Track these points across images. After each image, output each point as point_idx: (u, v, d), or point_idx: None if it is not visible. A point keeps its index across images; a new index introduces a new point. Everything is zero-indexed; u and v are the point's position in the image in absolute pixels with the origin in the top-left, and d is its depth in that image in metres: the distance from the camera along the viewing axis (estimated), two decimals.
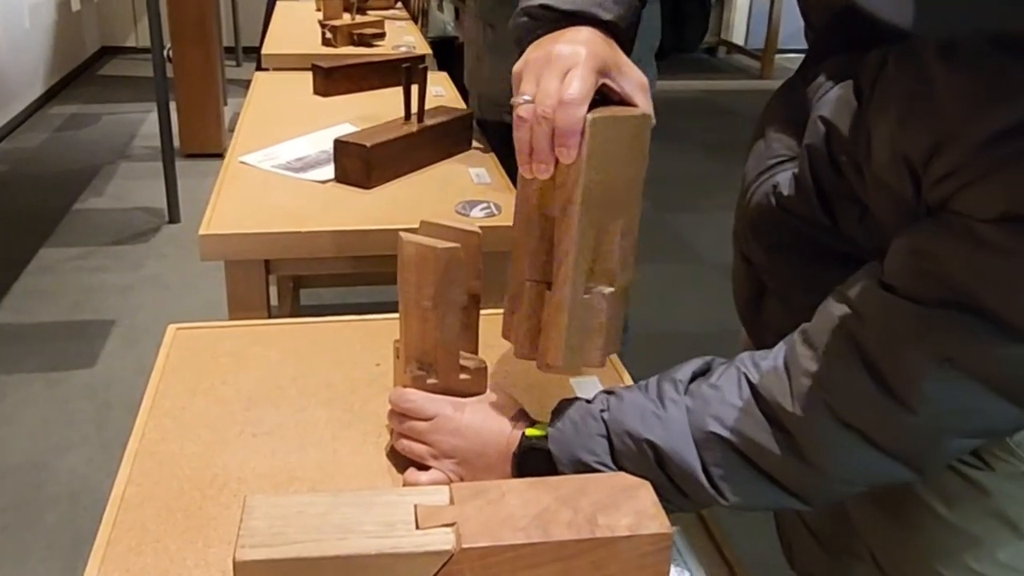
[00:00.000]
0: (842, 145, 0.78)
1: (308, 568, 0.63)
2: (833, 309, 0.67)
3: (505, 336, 0.82)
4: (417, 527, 0.66)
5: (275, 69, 2.50)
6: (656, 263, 3.35)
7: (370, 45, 2.65)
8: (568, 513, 0.67)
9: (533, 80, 0.71)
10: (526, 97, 0.71)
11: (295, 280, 2.52)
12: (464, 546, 0.64)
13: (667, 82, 1.87)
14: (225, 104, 4.53)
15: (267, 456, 0.86)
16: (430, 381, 0.83)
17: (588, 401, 0.77)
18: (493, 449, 0.79)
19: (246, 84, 3.82)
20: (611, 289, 0.76)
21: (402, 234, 0.81)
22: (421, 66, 1.60)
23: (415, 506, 0.68)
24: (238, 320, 1.25)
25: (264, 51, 2.63)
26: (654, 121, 0.75)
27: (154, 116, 3.54)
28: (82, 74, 5.86)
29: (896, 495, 0.80)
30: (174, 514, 0.78)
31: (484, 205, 1.45)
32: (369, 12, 2.97)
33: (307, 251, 1.37)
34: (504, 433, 0.79)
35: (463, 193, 1.50)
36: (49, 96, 5.20)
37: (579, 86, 0.69)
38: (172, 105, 3.60)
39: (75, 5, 5.65)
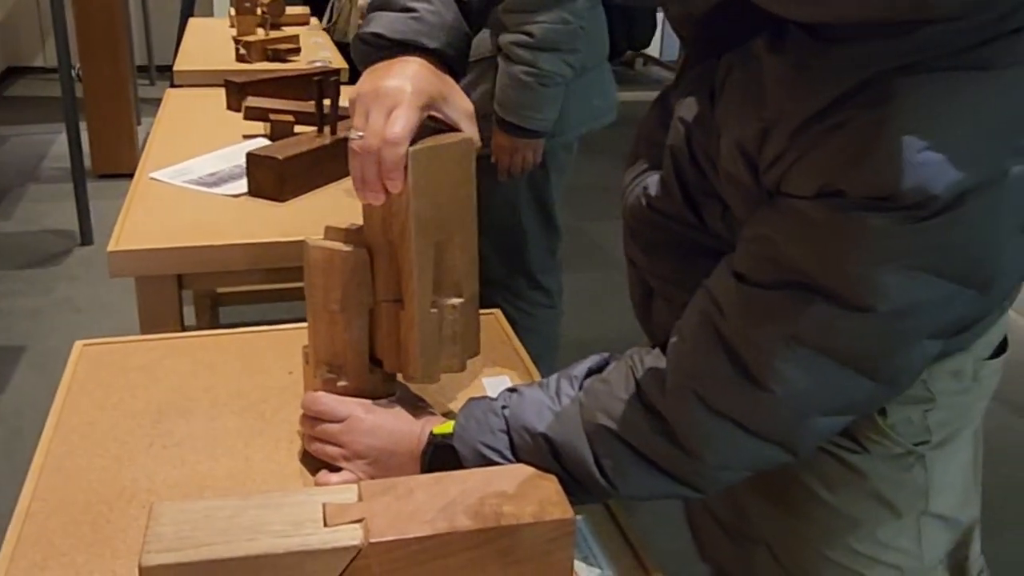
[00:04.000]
0: (700, 144, 0.82)
1: (216, 570, 0.64)
2: (698, 302, 0.71)
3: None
4: (325, 525, 0.67)
5: (188, 86, 2.47)
6: (577, 271, 3.39)
7: (285, 60, 2.64)
8: (474, 504, 0.69)
9: (363, 115, 0.76)
10: (359, 133, 0.76)
11: (213, 299, 2.49)
12: (371, 540, 0.65)
13: None
14: (139, 123, 4.44)
15: (177, 466, 0.86)
16: (341, 384, 0.84)
17: (493, 399, 0.79)
18: (404, 448, 0.80)
19: (160, 103, 3.76)
20: (459, 300, 0.84)
21: (308, 239, 0.83)
22: (333, 78, 1.61)
23: (323, 505, 0.69)
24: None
25: (176, 68, 2.60)
26: (479, 144, 0.81)
27: (64, 137, 3.44)
28: None
29: (782, 482, 0.84)
30: (81, 527, 0.77)
31: None
32: (284, 28, 2.96)
33: (220, 265, 1.36)
34: (414, 432, 0.81)
35: None
36: None
37: (402, 124, 0.74)
38: (83, 125, 3.52)
39: None
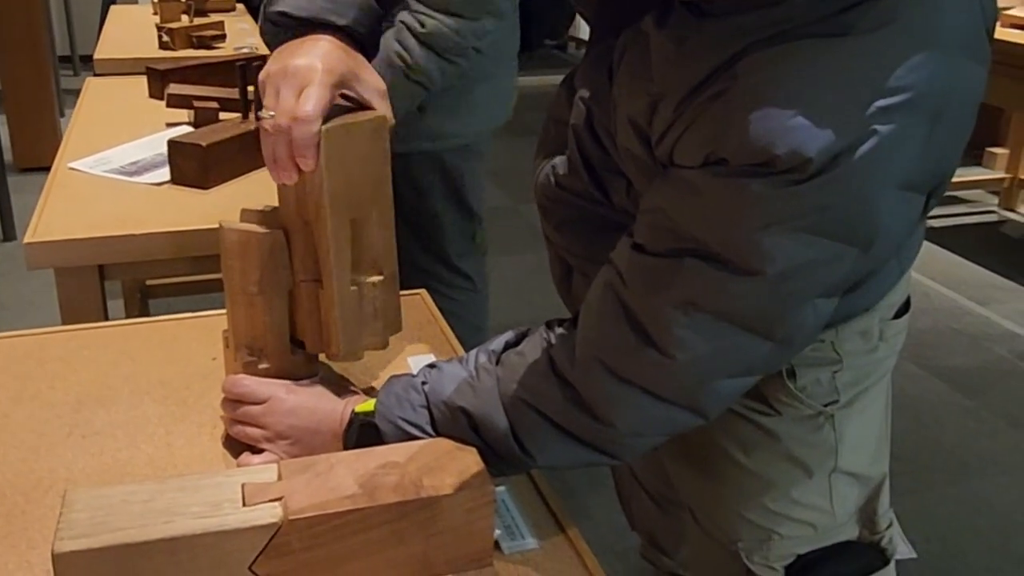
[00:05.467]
0: (600, 122, 0.84)
1: (132, 554, 0.63)
2: (603, 274, 0.72)
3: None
4: (244, 504, 0.67)
5: (111, 75, 2.41)
6: (512, 254, 3.41)
7: (210, 47, 2.59)
8: (394, 478, 0.70)
9: (273, 94, 0.76)
10: (270, 112, 0.75)
11: (143, 292, 2.44)
12: (290, 517, 0.66)
13: (522, 78, 1.92)
14: (62, 115, 4.31)
15: (97, 455, 0.84)
16: (262, 366, 0.84)
17: (413, 375, 0.80)
18: (327, 427, 0.80)
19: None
20: (379, 277, 0.84)
21: (223, 222, 0.82)
22: (256, 63, 1.58)
23: (242, 485, 0.69)
24: None
25: (97, 56, 2.53)
26: (392, 121, 0.81)
27: None
28: None
29: (700, 447, 0.86)
30: None
31: None
32: (209, 14, 2.90)
33: (142, 254, 1.33)
34: (336, 411, 0.81)
35: None
36: None
37: (313, 103, 0.74)
38: (2, 118, 3.41)
39: None
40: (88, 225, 1.33)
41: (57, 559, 0.62)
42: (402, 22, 1.65)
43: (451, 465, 0.72)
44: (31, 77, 3.90)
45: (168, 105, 1.82)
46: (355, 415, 0.79)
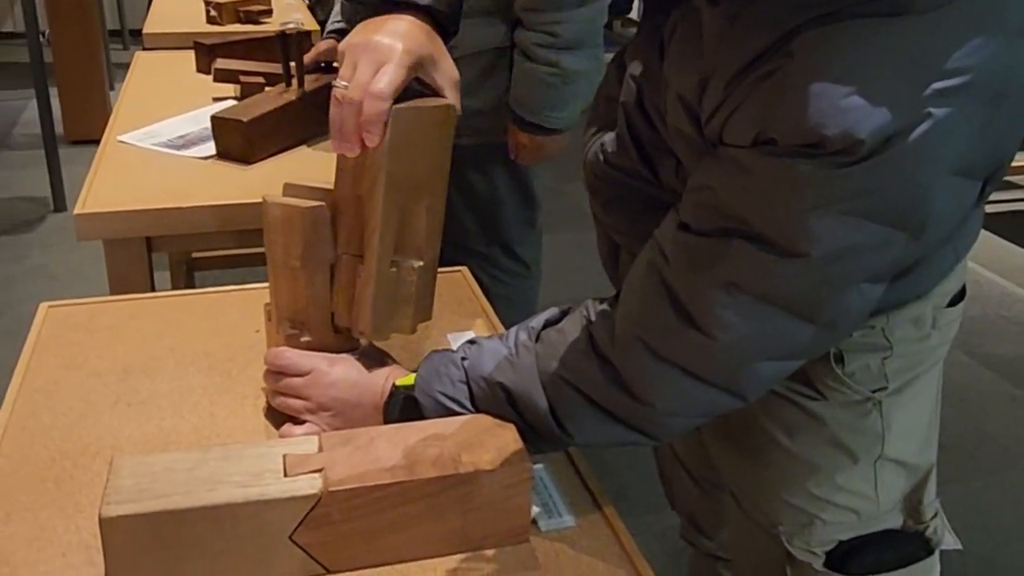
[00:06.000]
0: (650, 100, 0.83)
1: (176, 520, 0.64)
2: (646, 252, 0.71)
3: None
4: (285, 475, 0.68)
5: (159, 49, 2.44)
6: (554, 233, 3.39)
7: (257, 22, 2.60)
8: (433, 452, 0.70)
9: (351, 66, 0.75)
10: (344, 82, 0.75)
11: (188, 264, 2.48)
12: (330, 489, 0.66)
13: None
14: (112, 89, 4.38)
15: (143, 423, 0.86)
16: (303, 339, 0.85)
17: (453, 351, 0.80)
18: (368, 400, 0.81)
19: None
20: (419, 263, 0.83)
21: (266, 196, 0.82)
22: (299, 36, 1.59)
23: (284, 455, 0.69)
24: None
25: (146, 31, 2.56)
26: (459, 111, 0.81)
27: (35, 103, 3.40)
28: None
29: (744, 429, 0.85)
30: (44, 484, 0.77)
31: None
32: None
33: (189, 227, 1.35)
34: (377, 385, 0.81)
35: None
36: None
37: (388, 81, 0.74)
38: (54, 91, 3.47)
39: None
40: (136, 198, 1.35)
41: (104, 523, 0.63)
42: (531, 43, 1.64)
43: (490, 441, 0.72)
44: (82, 51, 3.95)
45: (215, 80, 1.83)
46: (396, 388, 0.80)
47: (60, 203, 3.41)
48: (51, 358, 0.96)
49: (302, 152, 1.56)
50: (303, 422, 0.83)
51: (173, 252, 2.35)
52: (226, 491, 0.66)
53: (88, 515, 0.74)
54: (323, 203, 0.81)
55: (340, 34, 1.66)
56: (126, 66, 2.28)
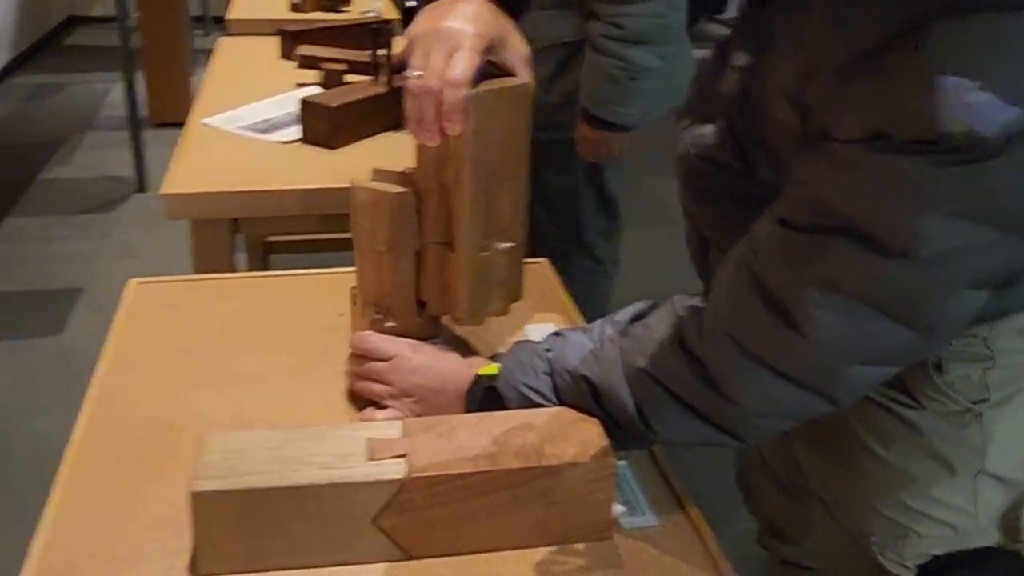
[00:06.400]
0: (751, 92, 0.80)
1: (262, 498, 0.65)
2: (739, 247, 0.69)
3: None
4: (369, 458, 0.68)
5: (241, 35, 2.48)
6: (638, 228, 3.36)
7: (337, 11, 2.63)
8: (517, 443, 0.70)
9: (422, 54, 0.75)
10: (417, 72, 0.74)
11: (265, 248, 2.52)
12: (414, 475, 0.66)
13: None
14: (192, 74, 4.48)
15: (227, 401, 0.87)
16: (388, 324, 0.85)
17: (538, 342, 0.79)
18: (450, 387, 0.80)
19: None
20: (509, 244, 0.84)
21: (354, 181, 0.83)
22: (388, 26, 1.60)
23: (368, 439, 0.69)
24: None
25: (229, 16, 2.61)
26: (533, 87, 0.80)
27: (121, 86, 3.50)
28: (48, 44, 5.77)
29: (836, 436, 0.83)
30: (134, 456, 0.79)
31: None
32: None
33: (274, 210, 1.37)
34: (460, 373, 0.81)
35: None
36: (14, 66, 5.12)
37: (464, 67, 0.73)
38: (139, 75, 3.56)
39: None
40: (222, 180, 1.37)
41: (195, 497, 0.64)
42: (599, 35, 1.63)
43: (573, 435, 0.71)
44: (168, 36, 4.06)
45: (299, 66, 1.85)
46: (479, 378, 0.79)
47: (143, 184, 3.50)
48: (138, 334, 0.98)
49: (386, 139, 1.57)
50: (384, 407, 0.83)
51: (251, 235, 2.39)
52: (310, 472, 0.66)
53: (175, 488, 0.75)
54: (410, 189, 0.81)
55: None
56: (207, 52, 2.32)
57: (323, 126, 1.50)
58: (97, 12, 6.34)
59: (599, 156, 1.80)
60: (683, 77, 1.86)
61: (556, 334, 0.79)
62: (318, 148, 1.50)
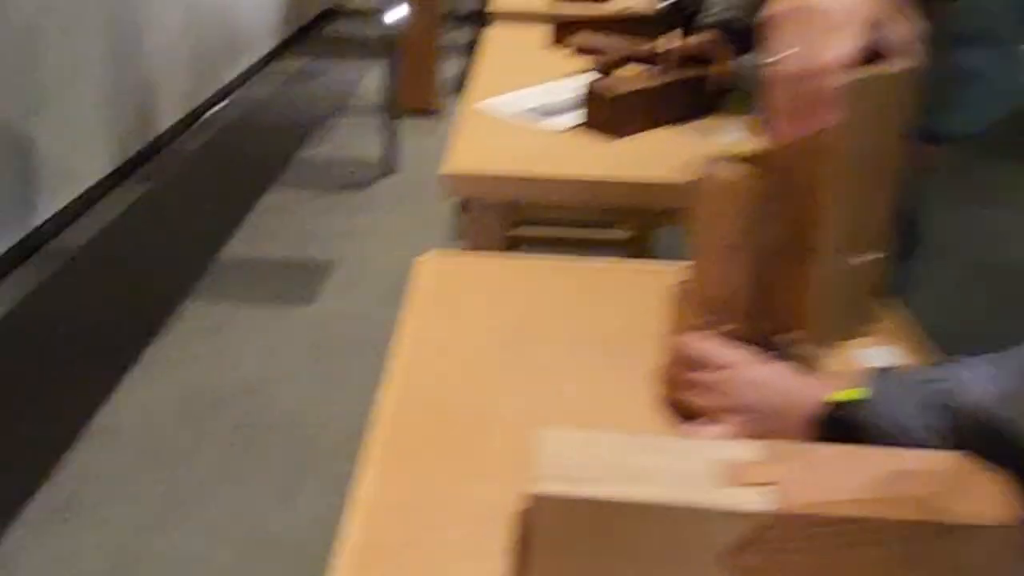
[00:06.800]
0: None
1: (606, 510, 0.57)
2: None
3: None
4: (725, 483, 0.58)
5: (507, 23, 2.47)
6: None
7: (603, 1, 2.57)
8: (909, 489, 0.58)
9: (793, 35, 0.65)
10: (790, 51, 0.65)
11: (509, 242, 2.50)
12: (789, 510, 0.56)
13: None
14: (443, 66, 4.61)
15: (532, 395, 0.81)
16: (725, 328, 0.75)
17: (918, 368, 0.67)
18: (796, 409, 0.70)
19: (460, 48, 3.84)
20: (877, 255, 0.73)
21: (705, 163, 0.73)
22: (688, 11, 1.51)
23: (723, 459, 0.60)
24: None
25: (492, 8, 2.61)
26: (919, 71, 0.68)
27: (372, 74, 3.65)
28: (309, 32, 6.16)
29: None
30: (443, 445, 0.74)
31: None
32: None
33: (556, 197, 1.32)
34: (808, 394, 0.70)
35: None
36: (279, 51, 5.49)
37: (846, 50, 0.63)
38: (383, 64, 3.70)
39: None
40: (498, 162, 1.33)
41: (537, 500, 0.57)
42: (925, 35, 1.45)
43: (976, 489, 0.58)
44: (421, 30, 4.20)
45: (576, 52, 1.80)
46: (835, 403, 0.68)
47: (392, 166, 3.63)
48: (430, 315, 0.94)
49: (673, 131, 1.47)
50: (712, 423, 0.73)
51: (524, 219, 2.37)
52: (663, 490, 0.57)
53: (490, 487, 0.69)
54: (774, 178, 0.70)
55: (723, 26, 1.54)
56: (455, 47, 2.33)
57: (608, 113, 1.43)
58: (352, 5, 6.71)
59: (914, 172, 1.60)
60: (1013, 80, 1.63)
61: (948, 361, 0.66)
62: (597, 136, 1.43)
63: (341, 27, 6.44)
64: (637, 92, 1.43)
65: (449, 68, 4.47)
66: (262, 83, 4.94)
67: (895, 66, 0.67)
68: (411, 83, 4.25)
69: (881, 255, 0.72)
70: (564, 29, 2.00)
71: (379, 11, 3.53)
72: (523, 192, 1.31)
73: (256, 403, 2.21)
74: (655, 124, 1.47)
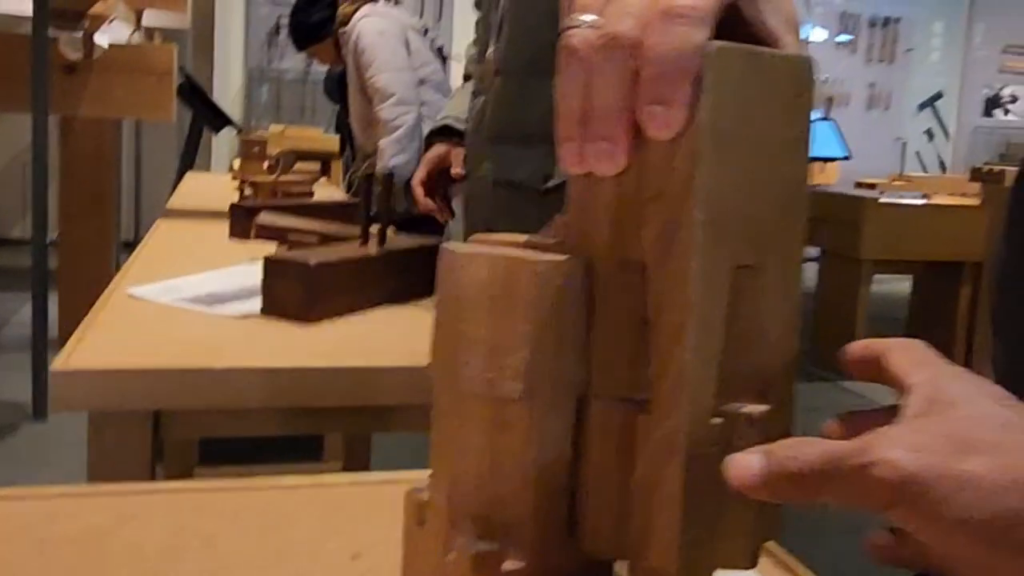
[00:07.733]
0: None
1: None
2: None
3: None
4: None
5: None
6: None
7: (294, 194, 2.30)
8: None
9: None
10: (587, 17, 0.36)
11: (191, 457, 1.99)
12: None
13: None
14: None
15: None
16: (509, 565, 0.38)
17: None
18: None
19: None
20: (763, 408, 0.38)
21: (450, 244, 0.40)
22: (386, 174, 1.24)
23: None
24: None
25: (169, 205, 2.25)
26: (817, 74, 0.40)
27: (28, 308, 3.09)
28: None
29: None
30: None
31: None
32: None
33: (219, 398, 0.92)
34: None
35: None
36: None
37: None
38: (54, 297, 3.18)
39: None
40: (145, 355, 0.93)
41: None
42: None
43: None
44: (89, 256, 3.75)
45: (256, 236, 1.46)
46: None
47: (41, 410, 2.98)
48: None
49: (379, 314, 1.16)
50: None
51: (180, 437, 1.88)
52: None
53: None
54: (577, 259, 0.38)
55: (449, 134, 1.33)
56: None
57: (296, 292, 1.08)
58: (16, 234, 6.09)
59: None
60: None
61: None
62: (286, 323, 1.08)
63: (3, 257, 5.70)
64: (331, 265, 1.11)
65: None
66: None
67: (779, 51, 0.38)
68: (76, 313, 3.69)
69: (770, 407, 0.38)
70: (243, 216, 1.67)
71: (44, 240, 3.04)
72: (173, 396, 0.90)
73: None
74: (358, 307, 1.15)
